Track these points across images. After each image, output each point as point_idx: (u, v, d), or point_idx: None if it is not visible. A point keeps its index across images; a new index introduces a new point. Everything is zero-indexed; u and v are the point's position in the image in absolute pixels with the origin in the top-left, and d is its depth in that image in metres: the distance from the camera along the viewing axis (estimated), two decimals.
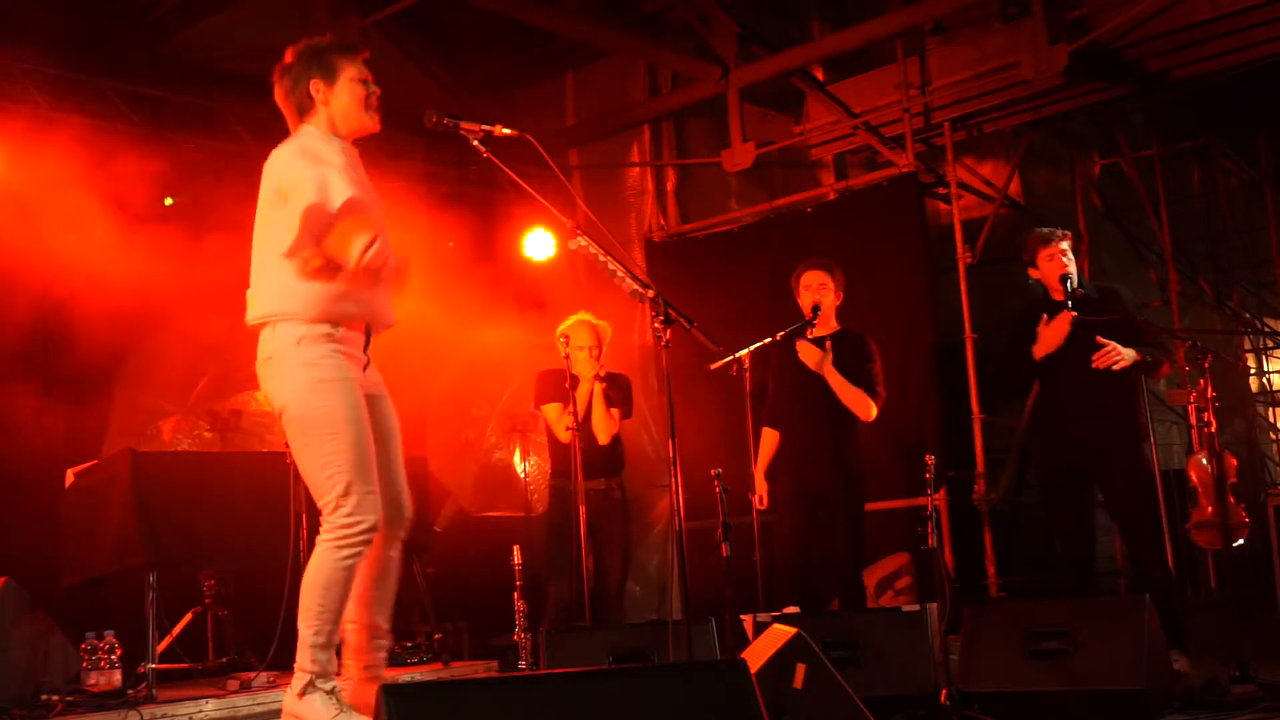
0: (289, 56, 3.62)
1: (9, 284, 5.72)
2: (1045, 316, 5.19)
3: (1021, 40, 6.73)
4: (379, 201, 3.70)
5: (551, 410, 5.90)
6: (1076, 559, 5.29)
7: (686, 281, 7.53)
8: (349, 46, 3.63)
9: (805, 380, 5.45)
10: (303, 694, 3.43)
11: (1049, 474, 5.45)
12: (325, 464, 3.43)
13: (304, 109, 3.61)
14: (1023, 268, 5.48)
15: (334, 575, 3.42)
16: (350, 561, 3.43)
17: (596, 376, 5.82)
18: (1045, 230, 5.37)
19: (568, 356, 5.63)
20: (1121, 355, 5.09)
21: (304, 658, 3.44)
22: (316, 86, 3.58)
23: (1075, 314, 5.12)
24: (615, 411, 5.88)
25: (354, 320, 3.54)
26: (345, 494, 3.41)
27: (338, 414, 3.43)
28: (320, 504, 3.47)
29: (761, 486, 5.58)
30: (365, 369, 3.61)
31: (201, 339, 6.21)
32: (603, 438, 5.83)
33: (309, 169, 3.42)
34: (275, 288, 3.47)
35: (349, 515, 3.41)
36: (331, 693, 3.43)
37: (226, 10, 6.70)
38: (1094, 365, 5.09)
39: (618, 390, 5.93)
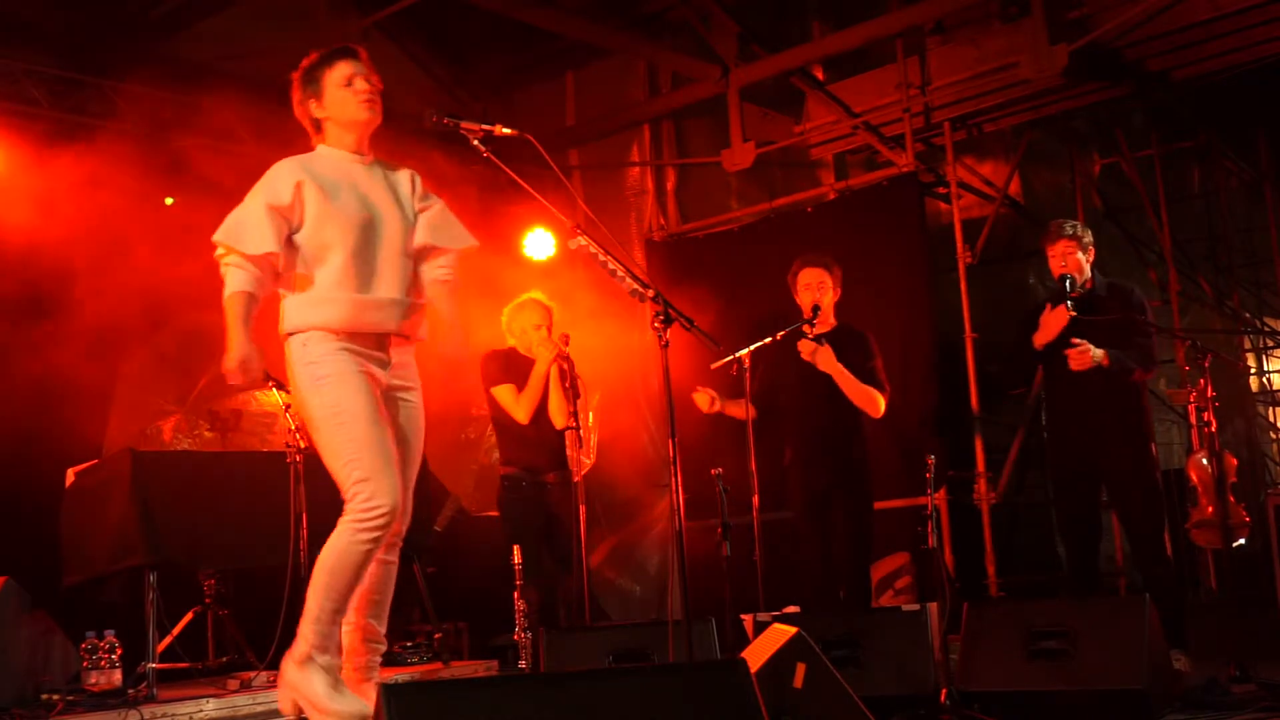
0: (292, 85, 3.73)
1: (8, 283, 5.72)
2: (1049, 305, 5.20)
3: (1021, 40, 6.73)
4: (387, 208, 3.72)
5: (504, 392, 5.62)
6: (1082, 559, 5.30)
7: (686, 281, 7.53)
8: (329, 55, 3.70)
9: (808, 381, 5.44)
10: (303, 665, 3.50)
11: (1057, 473, 5.46)
12: (339, 453, 3.49)
13: (316, 127, 3.74)
14: (1023, 268, 5.48)
15: (345, 557, 3.46)
16: (366, 546, 3.47)
17: (560, 356, 5.48)
18: (1056, 225, 5.37)
19: (552, 336, 5.44)
20: (1089, 353, 5.09)
21: (305, 628, 3.52)
22: (314, 106, 3.70)
23: (1074, 314, 5.13)
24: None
25: (356, 327, 3.59)
26: (363, 479, 3.46)
27: (342, 405, 3.49)
28: (344, 495, 3.52)
29: (711, 395, 5.42)
30: (387, 368, 3.65)
31: (201, 339, 6.20)
32: (559, 421, 5.52)
33: (262, 195, 3.56)
34: (285, 306, 3.64)
35: (367, 500, 3.46)
36: (328, 670, 3.49)
37: (226, 10, 6.70)
38: (1070, 366, 5.12)
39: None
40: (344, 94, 3.66)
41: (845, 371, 5.38)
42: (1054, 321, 5.19)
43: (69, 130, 6.00)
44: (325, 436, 3.52)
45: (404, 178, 3.83)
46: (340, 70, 3.66)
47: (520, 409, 5.59)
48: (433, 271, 3.82)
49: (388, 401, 3.65)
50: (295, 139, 3.81)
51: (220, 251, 3.59)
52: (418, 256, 3.79)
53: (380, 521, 3.46)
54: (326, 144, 3.73)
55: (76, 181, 5.73)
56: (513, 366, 5.60)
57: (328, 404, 3.50)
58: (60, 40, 6.15)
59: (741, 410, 5.43)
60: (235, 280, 3.55)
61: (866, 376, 5.41)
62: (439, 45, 8.09)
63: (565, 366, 5.50)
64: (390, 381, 3.67)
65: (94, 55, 6.29)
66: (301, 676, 3.49)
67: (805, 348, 5.41)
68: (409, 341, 3.77)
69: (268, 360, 4.20)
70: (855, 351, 5.46)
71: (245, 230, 3.54)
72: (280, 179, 3.58)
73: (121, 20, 6.50)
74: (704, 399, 5.44)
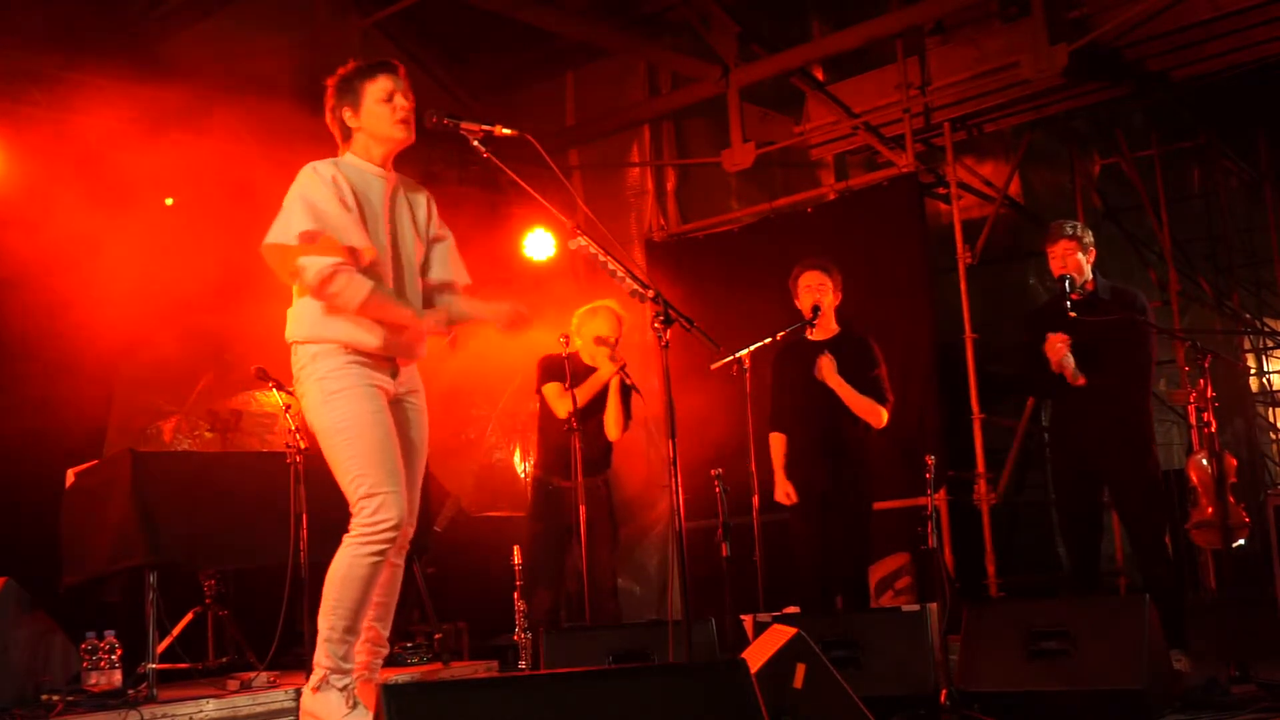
0: (328, 89, 3.73)
1: (9, 283, 5.72)
2: (1050, 337, 5.18)
3: (1021, 40, 6.74)
4: (404, 228, 3.74)
5: (553, 390, 5.63)
6: (1082, 558, 5.30)
7: (686, 281, 7.53)
8: (372, 67, 3.70)
9: (807, 383, 5.44)
10: (317, 689, 3.50)
11: (1058, 473, 5.45)
12: (348, 469, 3.51)
13: (345, 135, 3.73)
14: (1023, 268, 5.48)
15: (352, 571, 3.48)
16: (372, 560, 3.49)
17: (621, 369, 5.59)
18: (1057, 226, 5.37)
19: (616, 345, 5.49)
20: (1065, 349, 5.10)
21: (319, 653, 3.52)
22: (348, 114, 3.69)
23: (1074, 315, 5.13)
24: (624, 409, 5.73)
25: (373, 349, 3.60)
26: (368, 495, 3.49)
27: (354, 420, 3.51)
28: (350, 509, 3.54)
29: (785, 485, 5.48)
30: (396, 377, 3.67)
31: (201, 339, 6.20)
32: (613, 433, 5.69)
33: (327, 190, 3.54)
34: (299, 311, 3.61)
35: (371, 515, 3.48)
36: (345, 689, 3.50)
37: (227, 11, 6.69)
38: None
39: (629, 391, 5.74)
40: (383, 109, 3.66)
41: (846, 385, 5.37)
42: (1052, 354, 5.18)
43: (68, 130, 5.99)
44: (334, 451, 3.53)
45: (422, 200, 3.85)
46: (381, 84, 3.66)
47: (563, 406, 5.53)
48: (454, 302, 3.89)
49: (394, 406, 3.66)
50: (295, 139, 3.83)
51: (293, 244, 3.46)
52: (432, 287, 3.84)
53: (386, 535, 3.48)
54: (353, 153, 3.71)
55: (75, 181, 5.72)
56: (569, 371, 5.49)
57: (338, 419, 3.52)
58: (59, 40, 6.14)
59: (779, 450, 5.54)
60: (357, 281, 3.47)
61: (869, 386, 5.39)
62: (439, 45, 8.08)
63: (628, 383, 5.60)
64: (397, 390, 3.69)
65: (93, 55, 6.28)
66: (317, 700, 3.50)
67: (825, 368, 5.39)
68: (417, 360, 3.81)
69: (268, 360, 4.21)
70: (858, 360, 5.44)
71: (343, 228, 3.48)
72: (327, 179, 3.55)
73: (121, 20, 6.50)
74: (782, 494, 5.48)
